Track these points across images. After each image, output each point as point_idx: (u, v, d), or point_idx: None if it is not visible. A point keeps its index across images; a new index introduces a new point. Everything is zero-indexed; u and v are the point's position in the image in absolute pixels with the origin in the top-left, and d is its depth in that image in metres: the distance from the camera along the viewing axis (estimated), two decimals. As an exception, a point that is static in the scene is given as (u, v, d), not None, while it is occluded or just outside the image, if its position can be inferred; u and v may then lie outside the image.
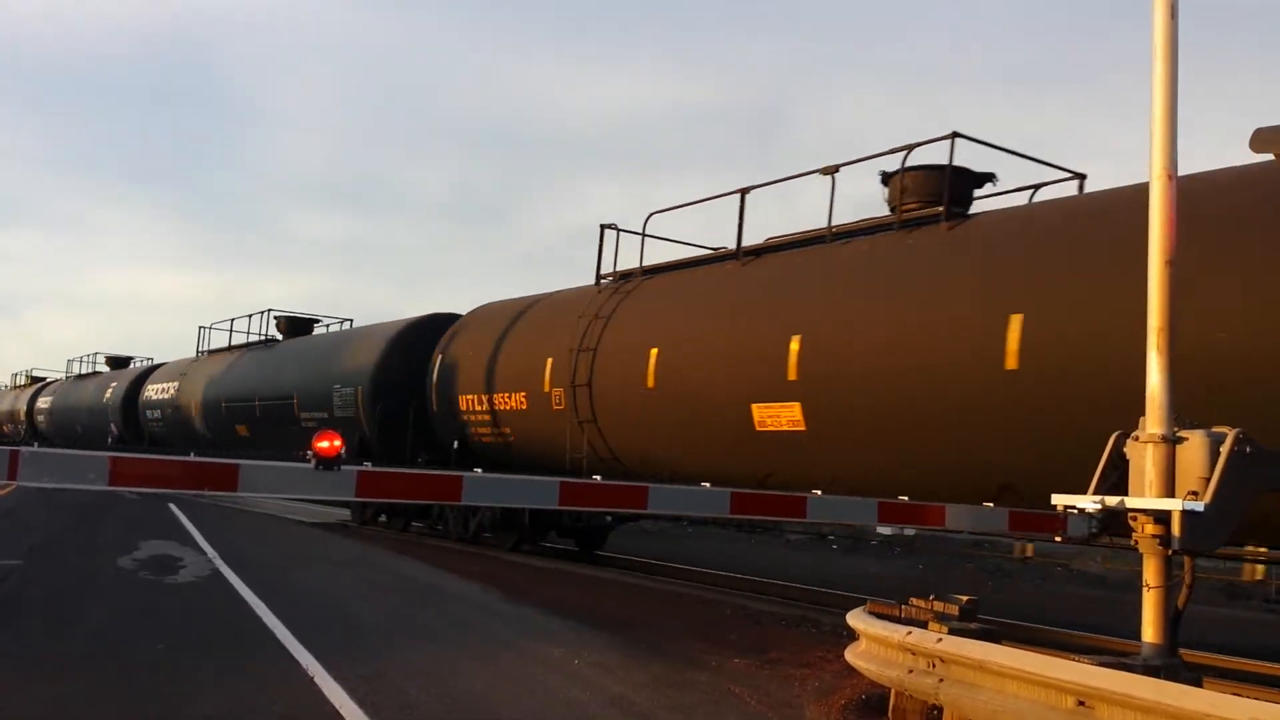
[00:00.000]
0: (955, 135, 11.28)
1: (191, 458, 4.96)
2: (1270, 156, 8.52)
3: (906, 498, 8.03)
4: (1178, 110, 6.28)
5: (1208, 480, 5.89)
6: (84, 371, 41.65)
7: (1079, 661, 5.45)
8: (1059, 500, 6.57)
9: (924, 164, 11.75)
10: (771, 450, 11.67)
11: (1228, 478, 5.86)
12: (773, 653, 8.86)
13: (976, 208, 11.64)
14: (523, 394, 15.79)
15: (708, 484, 8.13)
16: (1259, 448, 6.06)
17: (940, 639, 6.02)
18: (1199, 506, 5.79)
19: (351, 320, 24.63)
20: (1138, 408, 6.19)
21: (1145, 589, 6.03)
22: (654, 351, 13.23)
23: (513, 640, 9.10)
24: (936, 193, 11.47)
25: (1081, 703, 4.95)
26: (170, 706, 6.34)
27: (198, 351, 30.25)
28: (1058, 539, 7.89)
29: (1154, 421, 6.07)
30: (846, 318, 11.20)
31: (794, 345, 11.34)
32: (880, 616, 6.91)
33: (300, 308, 24.33)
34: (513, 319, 16.93)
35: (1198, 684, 5.37)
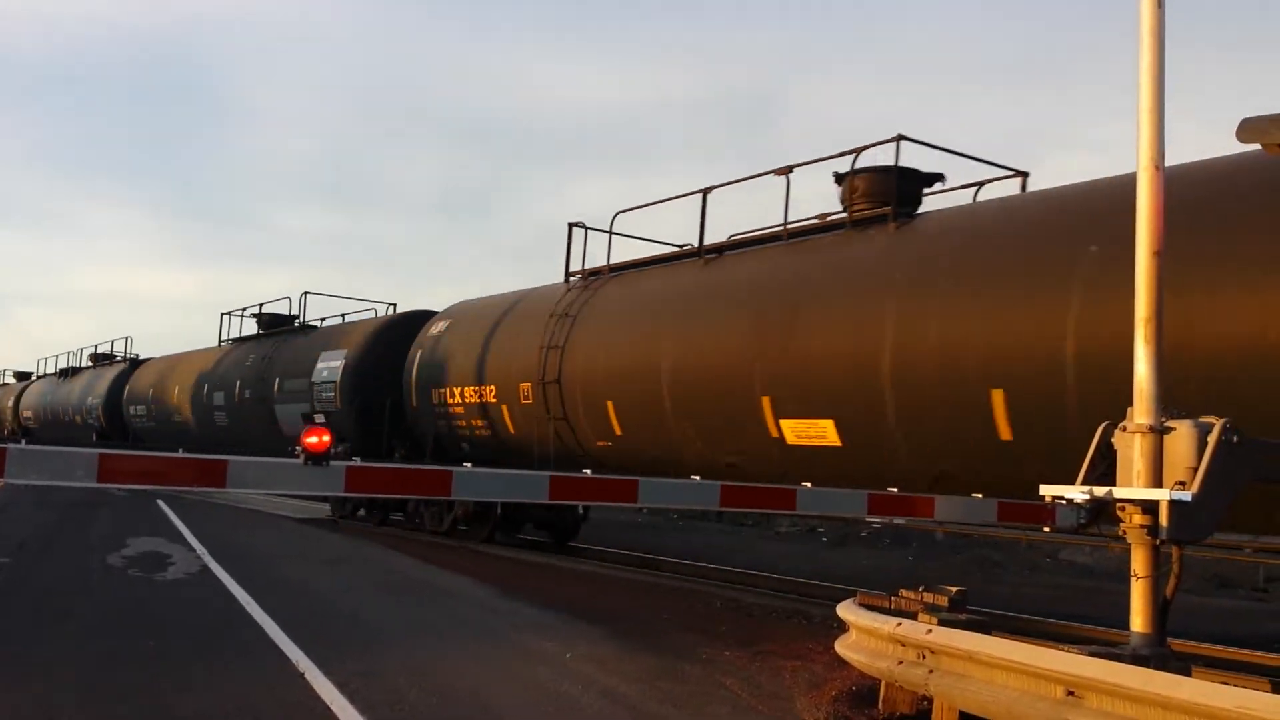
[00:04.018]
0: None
1: (180, 454, 4.95)
2: (1258, 147, 8.54)
3: (896, 489, 8.06)
4: (1165, 100, 6.30)
5: (1195, 470, 5.91)
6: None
7: (1068, 651, 5.47)
8: (1047, 491, 6.60)
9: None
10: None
11: (1215, 467, 5.88)
12: (764, 645, 8.89)
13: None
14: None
15: (698, 477, 8.16)
16: (1246, 437, 6.09)
17: (930, 630, 6.04)
18: (1186, 496, 5.82)
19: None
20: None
21: (1133, 579, 6.06)
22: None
23: (505, 634, 9.10)
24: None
25: (1071, 692, 4.98)
26: (162, 704, 6.33)
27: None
28: (1046, 529, 7.93)
29: (1141, 412, 6.09)
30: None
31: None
32: (870, 608, 6.93)
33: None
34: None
35: (1186, 673, 5.40)
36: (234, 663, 7.50)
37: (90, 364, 39.63)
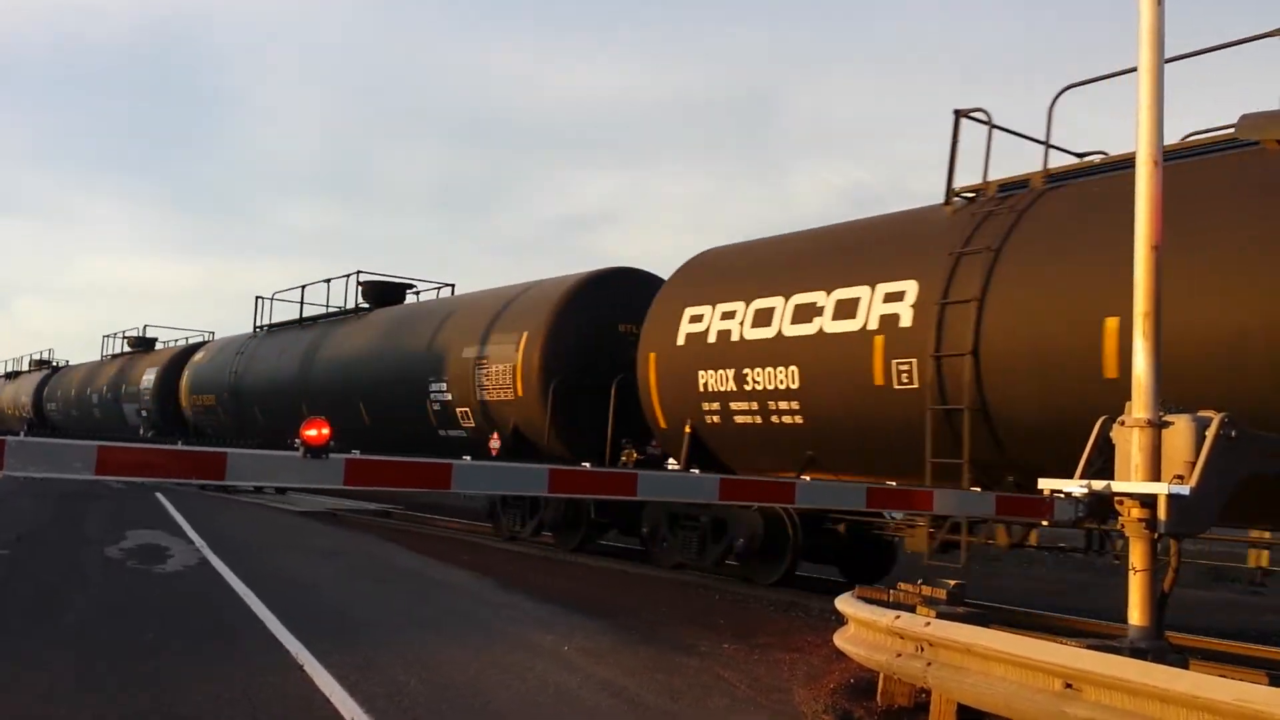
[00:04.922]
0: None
1: (178, 446, 4.92)
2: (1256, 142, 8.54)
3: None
4: (1163, 96, 6.30)
5: (1193, 464, 5.92)
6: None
7: (1066, 644, 5.48)
8: (1045, 485, 6.60)
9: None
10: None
11: (1213, 461, 5.89)
12: (762, 637, 8.90)
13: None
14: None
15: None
16: (1244, 431, 6.10)
17: (928, 623, 6.05)
18: (1184, 490, 5.83)
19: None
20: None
21: (1131, 572, 6.07)
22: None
23: (503, 627, 9.11)
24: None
25: (1069, 685, 4.99)
26: (161, 695, 6.33)
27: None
28: (1044, 523, 7.93)
29: (1140, 406, 6.10)
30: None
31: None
32: (868, 601, 6.94)
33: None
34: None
35: (1184, 666, 5.42)
36: (233, 655, 7.51)
37: (29, 368, 48.87)
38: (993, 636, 5.63)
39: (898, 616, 6.29)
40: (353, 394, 19.36)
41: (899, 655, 6.21)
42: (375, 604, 10.48)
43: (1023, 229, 9.74)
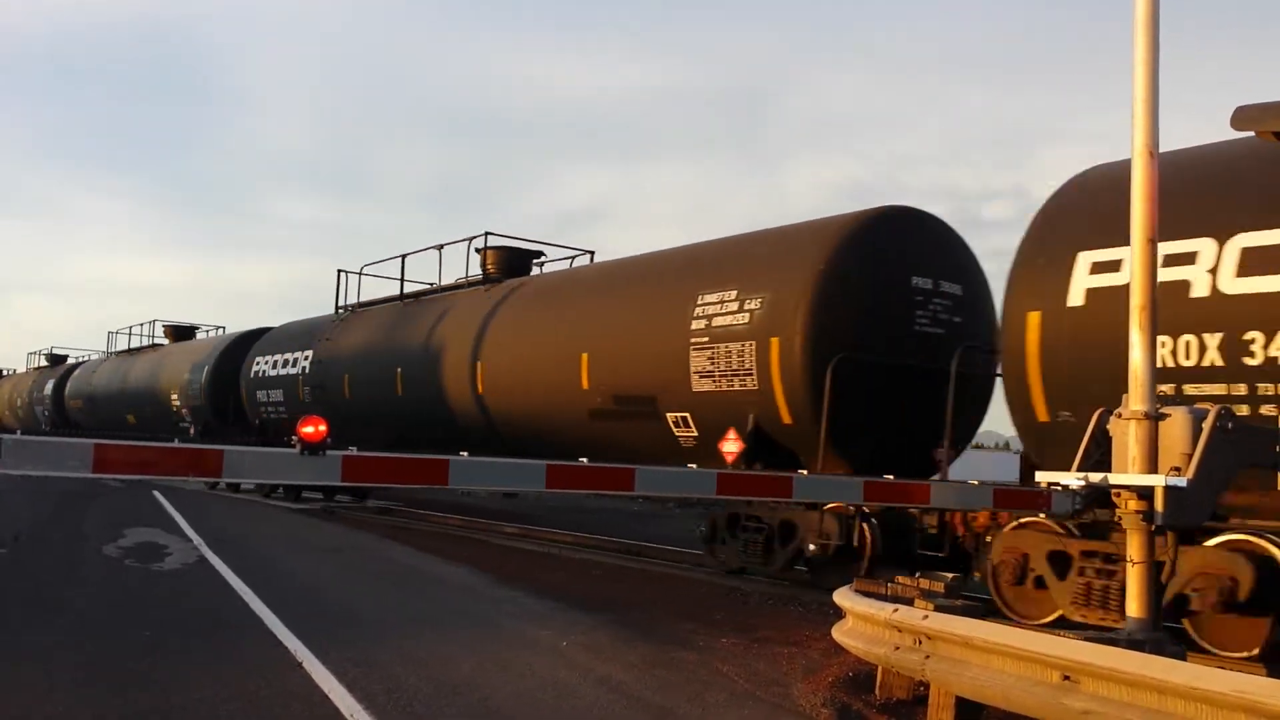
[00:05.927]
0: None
1: (175, 444, 4.92)
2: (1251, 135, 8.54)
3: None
4: (1159, 88, 6.30)
5: (1190, 456, 5.93)
6: None
7: (1064, 636, 5.49)
8: (1043, 477, 6.62)
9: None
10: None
11: (1209, 454, 5.91)
12: (760, 631, 8.91)
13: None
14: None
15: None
16: (1240, 424, 6.11)
17: (926, 616, 6.06)
18: (1181, 482, 5.84)
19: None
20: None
21: (1129, 564, 6.09)
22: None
23: (502, 623, 9.12)
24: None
25: (1067, 677, 5.00)
26: (160, 693, 6.33)
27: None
28: (1042, 516, 7.94)
29: (1137, 399, 6.10)
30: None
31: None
32: (867, 594, 6.94)
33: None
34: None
35: (1182, 657, 5.42)
36: (231, 652, 7.51)
37: None
38: (990, 629, 5.64)
39: (896, 610, 6.30)
40: (141, 399, 31.30)
41: (897, 648, 6.22)
42: (374, 600, 10.48)
43: (343, 329, 21.80)
